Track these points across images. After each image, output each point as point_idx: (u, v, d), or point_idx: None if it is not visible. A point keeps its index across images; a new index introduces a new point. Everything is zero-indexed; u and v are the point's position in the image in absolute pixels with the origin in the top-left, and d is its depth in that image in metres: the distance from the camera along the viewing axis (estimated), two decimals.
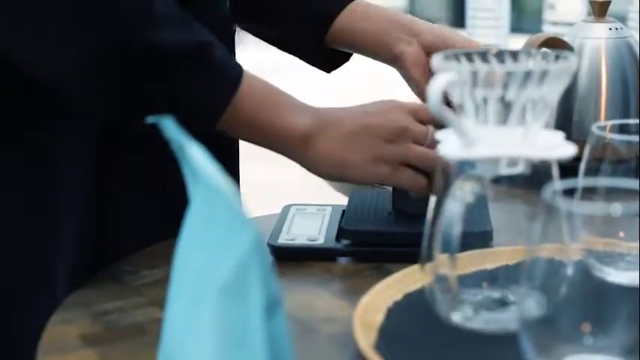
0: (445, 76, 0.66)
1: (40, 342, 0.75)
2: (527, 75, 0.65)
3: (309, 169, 0.91)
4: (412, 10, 9.47)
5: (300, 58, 1.15)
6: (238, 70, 0.88)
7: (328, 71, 1.15)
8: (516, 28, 2.16)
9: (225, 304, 0.56)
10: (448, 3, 8.92)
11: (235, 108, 0.87)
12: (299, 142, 0.89)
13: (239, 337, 0.56)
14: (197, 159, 0.59)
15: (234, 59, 0.92)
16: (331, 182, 1.45)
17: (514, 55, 0.71)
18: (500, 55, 0.71)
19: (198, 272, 0.59)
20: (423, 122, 0.91)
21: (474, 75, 0.65)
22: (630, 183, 0.60)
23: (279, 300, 0.57)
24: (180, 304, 0.61)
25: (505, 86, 0.65)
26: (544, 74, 0.65)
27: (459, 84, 0.66)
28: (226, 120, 0.87)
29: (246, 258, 0.56)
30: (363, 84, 5.37)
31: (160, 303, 0.74)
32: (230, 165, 1.11)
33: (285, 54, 1.15)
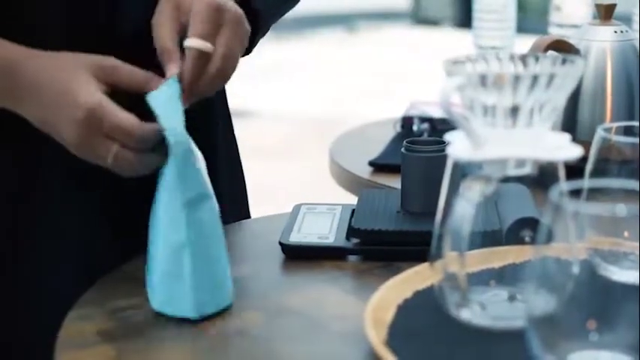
0: (455, 79, 0.68)
1: (57, 339, 0.77)
2: (535, 79, 0.67)
3: None
4: (417, 10, 9.39)
5: None
6: None
7: None
8: (522, 29, 2.16)
9: (169, 200, 0.80)
10: (454, 4, 8.88)
11: None
12: None
13: (171, 222, 0.79)
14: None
15: None
16: (340, 182, 1.46)
17: (522, 58, 0.72)
18: (509, 59, 0.72)
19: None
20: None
21: (483, 78, 0.67)
22: (635, 184, 0.61)
23: (206, 194, 0.79)
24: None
25: (513, 89, 0.67)
26: (551, 78, 0.67)
27: (469, 87, 0.68)
28: None
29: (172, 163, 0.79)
30: (381, 81, 5.38)
31: None
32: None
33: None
